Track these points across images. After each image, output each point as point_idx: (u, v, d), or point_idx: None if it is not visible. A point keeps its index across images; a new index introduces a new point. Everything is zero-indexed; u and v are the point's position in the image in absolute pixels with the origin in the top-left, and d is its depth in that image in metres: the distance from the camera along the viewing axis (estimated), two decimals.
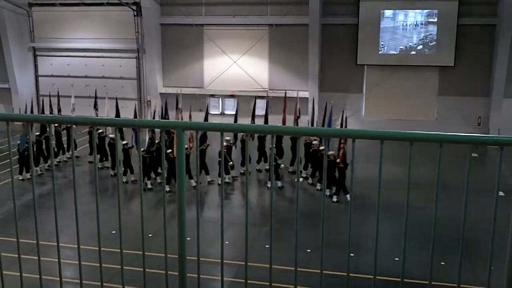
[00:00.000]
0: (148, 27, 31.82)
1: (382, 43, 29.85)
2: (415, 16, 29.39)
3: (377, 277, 3.61)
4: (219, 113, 32.28)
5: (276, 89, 31.33)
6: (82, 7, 32.93)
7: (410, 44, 29.63)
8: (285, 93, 25.29)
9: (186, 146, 19.34)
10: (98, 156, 23.48)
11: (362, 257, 13.14)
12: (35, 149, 21.46)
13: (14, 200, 4.01)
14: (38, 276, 4.06)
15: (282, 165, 20.79)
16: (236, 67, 31.91)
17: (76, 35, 33.65)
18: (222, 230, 3.82)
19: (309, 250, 12.46)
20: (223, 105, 32.56)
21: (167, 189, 19.53)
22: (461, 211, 3.23)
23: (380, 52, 30.00)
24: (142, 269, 3.85)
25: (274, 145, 4.43)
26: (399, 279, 3.59)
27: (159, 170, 20.88)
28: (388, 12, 29.66)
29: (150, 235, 13.14)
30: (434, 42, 29.24)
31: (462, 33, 28.61)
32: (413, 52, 29.65)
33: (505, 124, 27.75)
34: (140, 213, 3.82)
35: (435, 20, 29.07)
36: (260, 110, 27.53)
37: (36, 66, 35.14)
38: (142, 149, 19.37)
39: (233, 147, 21.25)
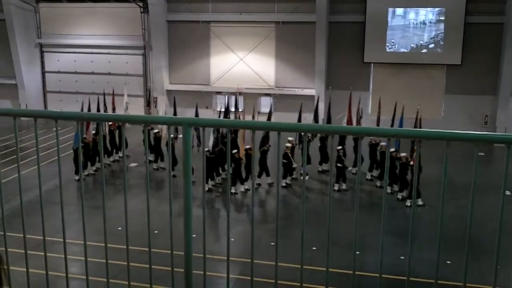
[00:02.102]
0: (155, 24, 31.83)
1: (393, 41, 29.75)
2: (426, 14, 29.27)
3: (383, 276, 3.61)
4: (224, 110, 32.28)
5: (282, 86, 31.33)
6: (89, 4, 33.02)
7: (421, 42, 29.50)
8: (351, 92, 24.13)
9: (249, 146, 19.10)
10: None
11: (367, 256, 13.13)
12: (90, 147, 21.75)
13: (21, 196, 4.02)
14: (44, 272, 4.08)
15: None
16: (242, 65, 31.88)
17: (83, 32, 33.74)
18: (228, 228, 3.83)
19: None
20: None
21: (232, 190, 19.18)
22: (467, 209, 3.22)
23: (388, 50, 29.90)
24: (148, 266, 3.86)
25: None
26: (405, 278, 3.58)
27: (220, 171, 20.72)
28: (399, 10, 29.53)
29: (156, 231, 13.17)
30: (443, 41, 29.13)
31: (469, 31, 28.47)
32: (424, 50, 29.51)
33: None
34: (145, 211, 3.82)
35: (443, 18, 28.95)
36: (266, 108, 27.42)
37: (42, 62, 35.25)
38: (207, 149, 18.91)
39: (296, 148, 20.74)
